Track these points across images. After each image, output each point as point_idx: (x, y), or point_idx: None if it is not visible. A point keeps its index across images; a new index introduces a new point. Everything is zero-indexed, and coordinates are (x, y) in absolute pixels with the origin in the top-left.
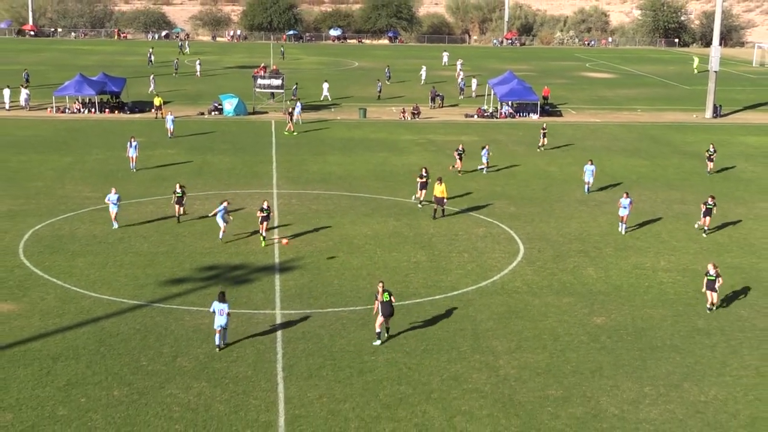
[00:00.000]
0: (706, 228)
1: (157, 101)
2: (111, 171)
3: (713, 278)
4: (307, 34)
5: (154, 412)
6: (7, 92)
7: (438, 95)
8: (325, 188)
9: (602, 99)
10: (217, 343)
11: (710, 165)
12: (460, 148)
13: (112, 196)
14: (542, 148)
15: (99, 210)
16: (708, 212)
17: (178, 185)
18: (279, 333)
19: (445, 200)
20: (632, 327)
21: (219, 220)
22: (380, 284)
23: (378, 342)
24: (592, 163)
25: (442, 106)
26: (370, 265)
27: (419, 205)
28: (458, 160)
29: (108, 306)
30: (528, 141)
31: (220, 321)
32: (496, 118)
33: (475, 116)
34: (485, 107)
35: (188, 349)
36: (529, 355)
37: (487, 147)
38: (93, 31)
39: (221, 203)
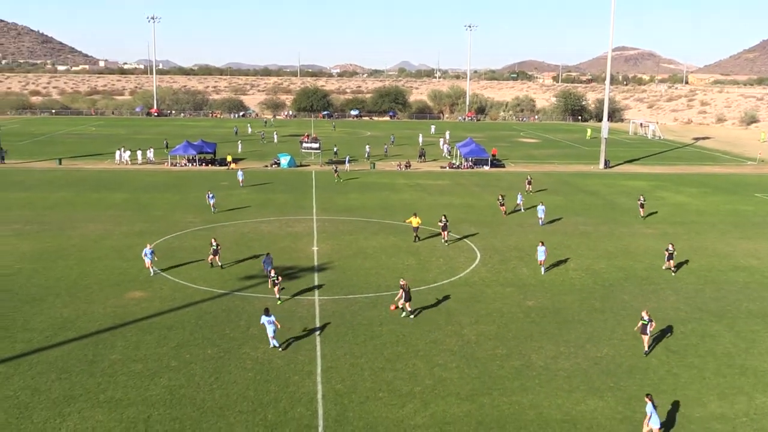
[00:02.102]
0: (672, 269)
1: (228, 158)
2: (206, 206)
3: (646, 323)
4: (335, 113)
5: (234, 364)
6: (139, 153)
7: (423, 153)
8: (348, 215)
9: (531, 156)
10: (276, 345)
11: (642, 210)
12: (443, 219)
13: (147, 250)
14: (528, 192)
15: (197, 231)
16: (670, 257)
17: (213, 239)
18: (317, 312)
19: (416, 229)
20: (552, 307)
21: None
22: (402, 281)
23: (411, 316)
24: (542, 204)
25: (425, 161)
26: (378, 267)
27: (446, 244)
28: (443, 231)
29: (203, 294)
30: (482, 183)
31: (269, 331)
32: (461, 169)
33: (447, 168)
34: (454, 162)
35: (257, 322)
36: (483, 326)
37: (521, 193)
38: (195, 113)
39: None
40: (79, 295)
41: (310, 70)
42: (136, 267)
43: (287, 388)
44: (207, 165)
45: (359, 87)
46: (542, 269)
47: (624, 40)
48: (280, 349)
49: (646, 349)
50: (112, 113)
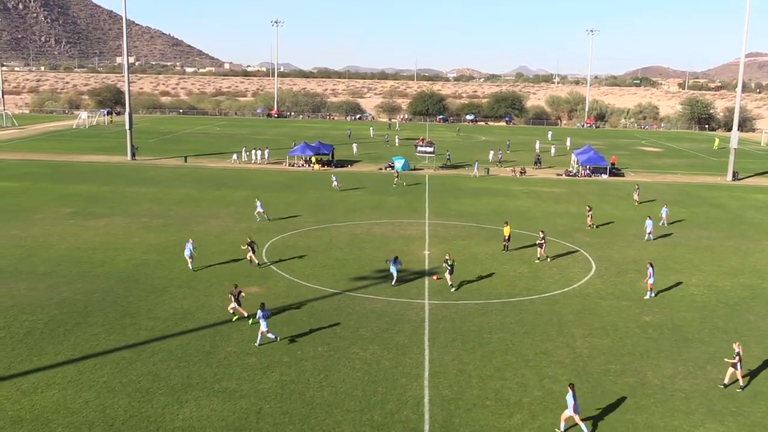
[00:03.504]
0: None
1: (313, 159)
2: (322, 205)
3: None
4: (451, 118)
5: (344, 363)
6: (258, 152)
7: (539, 160)
8: (461, 220)
9: (653, 165)
10: (273, 337)
11: None
12: (541, 234)
13: (189, 245)
14: (637, 203)
15: (314, 230)
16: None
17: (249, 238)
18: (426, 316)
19: (507, 238)
20: (671, 324)
21: (392, 270)
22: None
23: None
24: (650, 218)
25: (541, 168)
26: (489, 273)
27: (537, 261)
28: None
29: (316, 292)
30: (599, 192)
31: (263, 325)
32: (578, 176)
33: (564, 175)
34: (570, 169)
35: (366, 323)
36: (597, 339)
37: (665, 206)
38: (313, 114)
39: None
40: (199, 288)
41: (426, 75)
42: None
43: (395, 390)
44: (323, 166)
45: (475, 91)
46: (648, 293)
47: (758, 46)
48: (272, 336)
49: (740, 382)
50: (235, 114)
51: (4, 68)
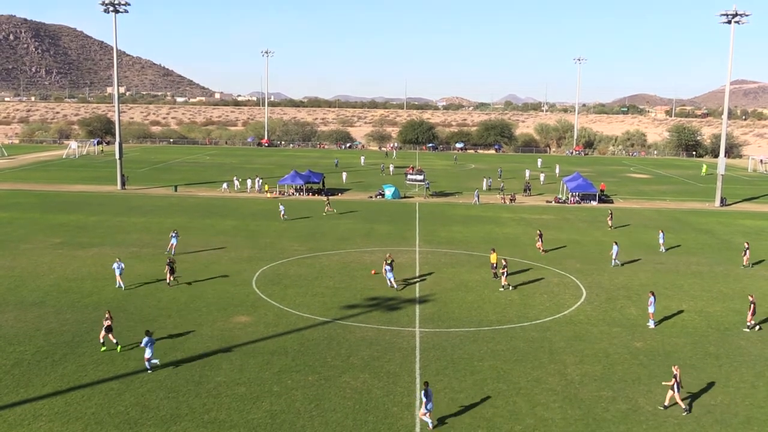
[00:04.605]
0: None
1: (266, 187)
2: (313, 233)
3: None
4: (441, 146)
5: (334, 392)
6: (249, 182)
7: (529, 187)
8: (451, 248)
9: (642, 192)
10: (156, 362)
11: (745, 258)
12: (504, 262)
13: (117, 265)
14: (610, 228)
15: (304, 258)
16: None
17: (168, 258)
18: (417, 343)
19: (494, 265)
20: (662, 350)
21: (388, 276)
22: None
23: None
24: (616, 244)
25: (531, 195)
26: (480, 300)
27: (501, 289)
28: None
29: (306, 321)
30: (589, 219)
31: (148, 352)
32: (568, 203)
33: (553, 202)
34: (560, 196)
35: (357, 351)
36: (588, 366)
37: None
38: (304, 143)
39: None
40: (189, 317)
41: (416, 103)
42: (243, 292)
43: (386, 419)
44: (314, 195)
45: (465, 120)
46: (651, 322)
47: (743, 73)
48: (157, 362)
49: (680, 405)
50: (226, 143)
51: None
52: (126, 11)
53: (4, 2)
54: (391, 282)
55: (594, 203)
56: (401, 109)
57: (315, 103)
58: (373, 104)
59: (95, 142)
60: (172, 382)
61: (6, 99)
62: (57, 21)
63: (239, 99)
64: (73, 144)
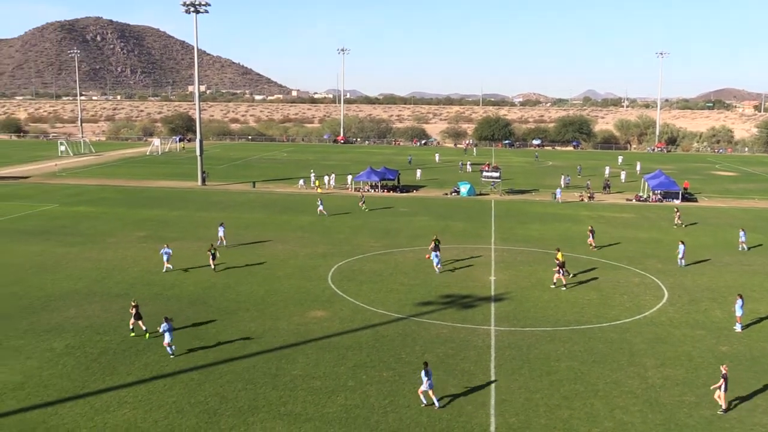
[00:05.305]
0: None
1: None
2: (388, 230)
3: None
4: (517, 143)
5: (409, 389)
6: (326, 178)
7: (608, 185)
8: (526, 246)
9: (727, 190)
10: (170, 352)
11: None
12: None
13: (165, 250)
14: (677, 226)
15: (379, 254)
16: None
17: (211, 244)
18: (492, 342)
19: (559, 262)
20: (749, 355)
21: (434, 258)
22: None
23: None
24: (683, 243)
25: (610, 193)
26: (556, 300)
27: (553, 286)
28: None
29: (381, 317)
30: (670, 218)
31: (167, 338)
32: (649, 201)
33: (633, 200)
34: (641, 194)
35: (432, 348)
36: (670, 370)
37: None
38: (379, 140)
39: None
40: (266, 311)
41: (492, 99)
42: (319, 287)
43: (460, 418)
44: (389, 191)
45: (542, 116)
46: (738, 326)
47: None
48: (172, 356)
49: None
50: (302, 140)
51: (82, 98)
52: (206, 11)
53: (91, 4)
54: (436, 265)
55: (677, 201)
56: (477, 106)
57: (390, 100)
58: (448, 101)
59: (177, 139)
60: (250, 374)
61: (94, 98)
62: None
63: (315, 96)
64: (156, 141)
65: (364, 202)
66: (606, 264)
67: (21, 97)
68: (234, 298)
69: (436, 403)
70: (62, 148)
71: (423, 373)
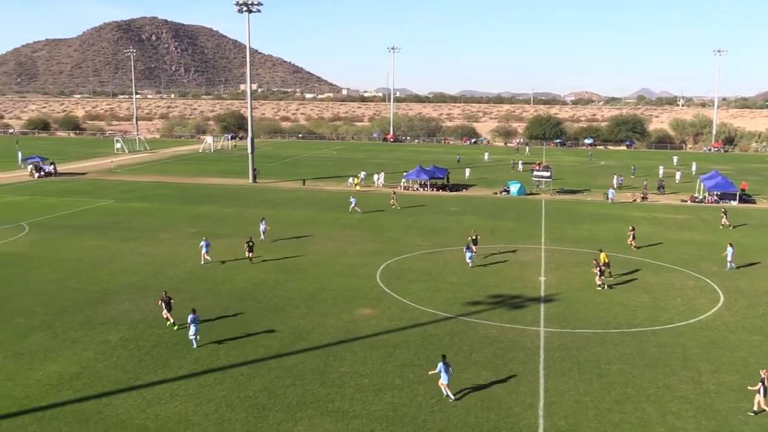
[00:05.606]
0: None
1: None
2: (437, 229)
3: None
4: (569, 142)
5: (456, 388)
6: (375, 176)
7: (663, 185)
8: (577, 246)
9: None
10: (195, 345)
11: None
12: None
13: (204, 242)
14: (723, 227)
15: (427, 253)
16: None
17: (250, 237)
18: (542, 343)
19: (608, 264)
20: None
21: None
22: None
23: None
24: (731, 245)
25: (664, 193)
26: (607, 302)
27: (598, 288)
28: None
29: (429, 316)
30: (729, 220)
31: (192, 330)
32: (705, 203)
33: (689, 201)
34: (696, 195)
35: (480, 348)
36: (725, 375)
37: None
38: (429, 139)
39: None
40: (315, 308)
41: (543, 98)
42: (367, 285)
43: (507, 419)
44: (438, 190)
45: (594, 115)
46: None
47: None
48: (195, 345)
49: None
50: (352, 138)
51: (138, 96)
52: (258, 11)
53: (147, 5)
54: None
55: (734, 203)
56: (528, 105)
57: (440, 98)
58: (498, 99)
59: (229, 137)
60: (299, 370)
61: (149, 96)
62: (195, 21)
63: (365, 95)
64: (208, 139)
65: (395, 201)
66: (660, 266)
67: (79, 96)
68: (284, 295)
69: (451, 397)
70: (118, 145)
71: (441, 365)
